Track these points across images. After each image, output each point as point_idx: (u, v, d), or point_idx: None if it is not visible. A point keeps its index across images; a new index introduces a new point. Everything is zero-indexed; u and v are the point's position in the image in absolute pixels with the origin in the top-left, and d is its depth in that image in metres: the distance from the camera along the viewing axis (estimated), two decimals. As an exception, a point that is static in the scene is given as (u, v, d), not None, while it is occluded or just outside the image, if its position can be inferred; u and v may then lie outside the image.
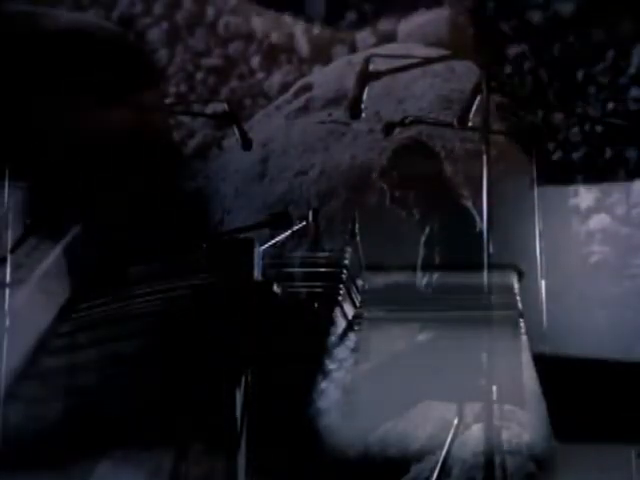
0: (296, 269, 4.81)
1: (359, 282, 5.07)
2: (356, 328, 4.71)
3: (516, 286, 4.95)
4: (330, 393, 4.44)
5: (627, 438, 4.74)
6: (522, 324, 4.64)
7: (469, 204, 5.28)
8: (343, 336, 4.64)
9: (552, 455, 4.49)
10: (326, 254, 5.14)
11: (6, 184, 4.25)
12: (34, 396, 4.02)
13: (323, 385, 4.42)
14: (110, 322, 4.32)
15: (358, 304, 4.89)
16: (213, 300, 4.14)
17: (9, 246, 4.15)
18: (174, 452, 4.04)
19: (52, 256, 4.44)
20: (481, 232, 5.07)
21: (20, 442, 3.92)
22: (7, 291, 4.02)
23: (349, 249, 5.13)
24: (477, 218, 5.14)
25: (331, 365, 4.47)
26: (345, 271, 4.88)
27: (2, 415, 3.82)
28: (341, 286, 4.76)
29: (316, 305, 4.63)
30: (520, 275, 4.99)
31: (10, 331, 3.90)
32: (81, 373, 4.09)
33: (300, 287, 4.66)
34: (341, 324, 4.65)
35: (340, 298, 4.69)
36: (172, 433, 4.04)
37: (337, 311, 4.64)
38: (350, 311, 4.78)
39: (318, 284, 4.72)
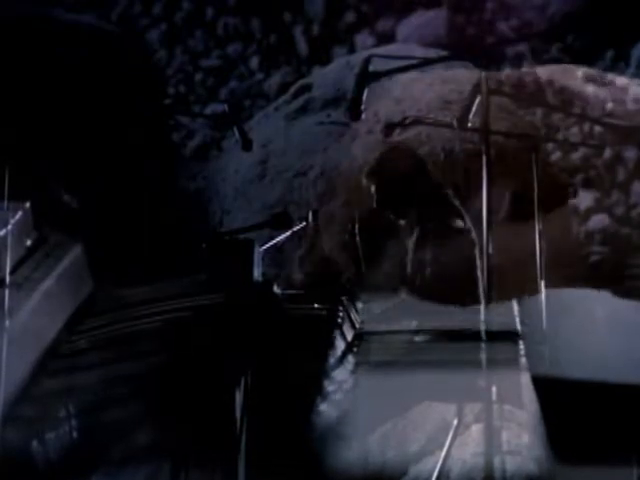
0: (296, 290, 4.81)
1: (359, 305, 5.06)
2: (355, 350, 4.70)
3: (515, 307, 4.95)
4: (330, 395, 4.44)
5: (628, 459, 4.74)
6: (521, 345, 4.64)
7: (456, 203, 5.31)
8: (342, 357, 4.62)
9: (553, 477, 4.49)
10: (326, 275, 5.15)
11: (5, 203, 4.24)
12: (35, 416, 4.02)
13: (323, 387, 4.43)
14: (111, 342, 4.32)
15: (358, 326, 4.89)
16: (215, 316, 4.16)
17: (9, 246, 4.14)
18: (173, 457, 4.04)
19: (53, 277, 4.42)
20: (469, 229, 5.10)
21: (22, 458, 3.92)
22: (7, 292, 4.01)
23: (348, 270, 5.15)
24: (465, 215, 5.18)
25: (330, 384, 4.46)
26: (344, 293, 4.88)
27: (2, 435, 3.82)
28: (341, 308, 4.75)
29: (316, 305, 4.64)
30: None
31: (10, 340, 3.90)
32: (83, 393, 4.09)
33: (300, 309, 4.66)
34: (340, 345, 4.64)
35: (340, 320, 4.68)
36: (172, 439, 4.04)
37: (336, 333, 4.63)
38: (349, 333, 4.77)
39: (318, 306, 4.71)
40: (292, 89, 8.31)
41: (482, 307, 4.27)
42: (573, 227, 7.72)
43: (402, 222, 5.35)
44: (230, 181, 7.84)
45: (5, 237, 4.16)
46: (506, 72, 8.20)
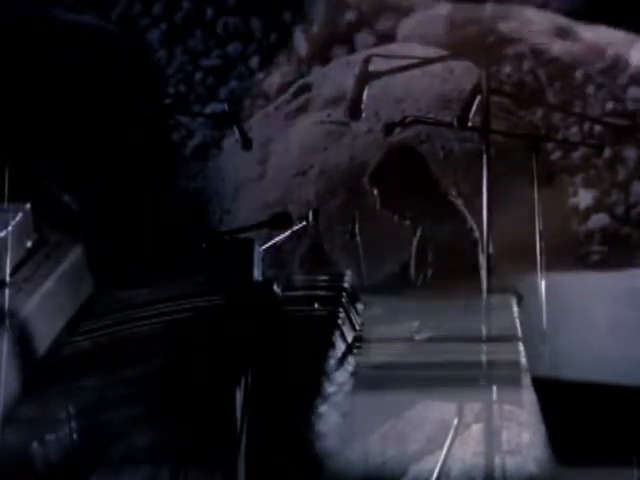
0: (296, 292, 4.81)
1: (359, 306, 5.06)
2: (355, 351, 4.70)
3: (515, 309, 4.95)
4: (330, 395, 4.44)
5: (629, 460, 4.75)
6: (521, 347, 4.64)
7: (458, 202, 5.32)
8: (343, 358, 4.62)
9: (553, 477, 4.48)
10: (326, 277, 5.15)
11: (5, 204, 4.25)
12: (35, 417, 4.02)
13: (323, 388, 4.43)
14: (112, 344, 4.32)
15: (358, 327, 4.89)
16: (215, 317, 4.15)
17: (9, 248, 4.14)
18: (173, 457, 4.04)
19: (53, 278, 4.42)
20: (472, 229, 5.11)
21: (22, 459, 3.92)
22: (7, 293, 4.01)
23: (349, 272, 5.15)
24: (467, 216, 5.20)
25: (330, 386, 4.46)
26: (345, 294, 4.88)
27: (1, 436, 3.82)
28: (341, 309, 4.75)
29: (316, 305, 4.64)
30: (519, 299, 4.98)
31: (10, 341, 3.90)
32: (83, 394, 4.09)
33: (300, 310, 4.66)
34: (340, 346, 4.64)
35: (340, 321, 4.68)
36: (172, 439, 4.05)
37: (336, 333, 4.63)
38: (350, 334, 4.76)
39: (318, 307, 4.70)
40: (292, 89, 8.32)
41: (483, 307, 4.26)
42: (573, 226, 7.74)
43: (406, 222, 5.36)
44: (230, 181, 7.84)
45: (5, 238, 4.17)
46: (506, 72, 8.21)
